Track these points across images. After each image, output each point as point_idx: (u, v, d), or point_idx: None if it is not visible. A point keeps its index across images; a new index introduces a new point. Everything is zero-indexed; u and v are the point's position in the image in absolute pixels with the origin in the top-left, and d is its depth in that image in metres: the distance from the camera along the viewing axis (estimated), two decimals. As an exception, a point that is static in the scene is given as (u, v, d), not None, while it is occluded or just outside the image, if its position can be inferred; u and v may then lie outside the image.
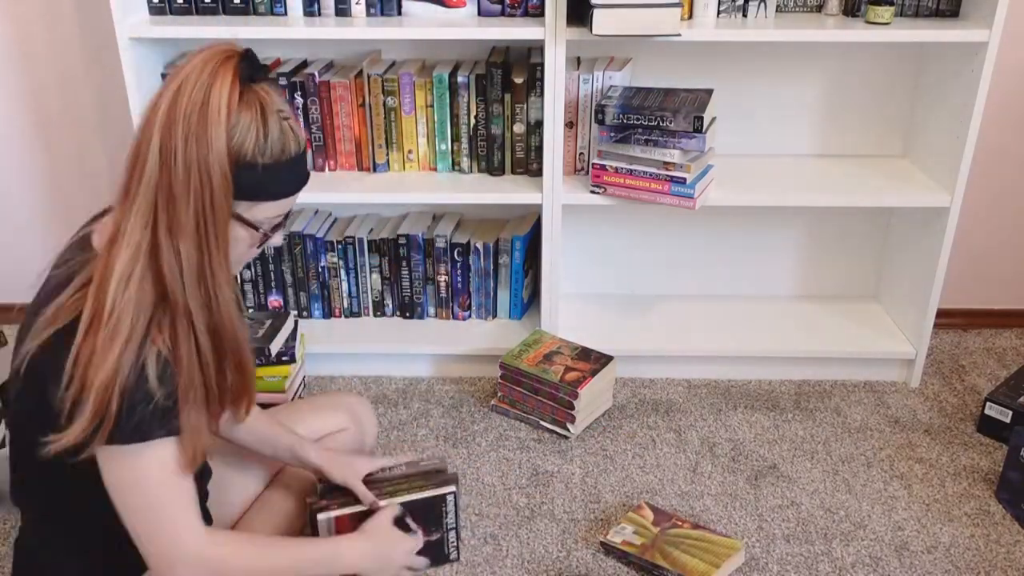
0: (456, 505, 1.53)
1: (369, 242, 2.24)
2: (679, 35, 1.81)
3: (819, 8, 2.05)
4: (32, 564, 1.31)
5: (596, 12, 1.77)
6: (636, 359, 2.20)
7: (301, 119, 2.09)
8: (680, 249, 2.36)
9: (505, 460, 1.94)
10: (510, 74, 2.04)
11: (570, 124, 2.07)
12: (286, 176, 1.18)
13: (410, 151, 2.13)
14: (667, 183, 1.93)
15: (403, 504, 1.48)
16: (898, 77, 2.17)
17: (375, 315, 2.33)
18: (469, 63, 2.14)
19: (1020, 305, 2.48)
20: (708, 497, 1.84)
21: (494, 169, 2.13)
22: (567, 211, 2.07)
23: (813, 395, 2.17)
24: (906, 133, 2.23)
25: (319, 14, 2.01)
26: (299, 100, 2.07)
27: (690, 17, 1.98)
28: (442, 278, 2.26)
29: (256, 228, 1.19)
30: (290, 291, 2.29)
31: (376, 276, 2.28)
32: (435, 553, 1.53)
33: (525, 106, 2.05)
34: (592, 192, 2.01)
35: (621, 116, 1.91)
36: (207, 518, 1.41)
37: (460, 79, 2.05)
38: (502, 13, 2.00)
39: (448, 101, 2.07)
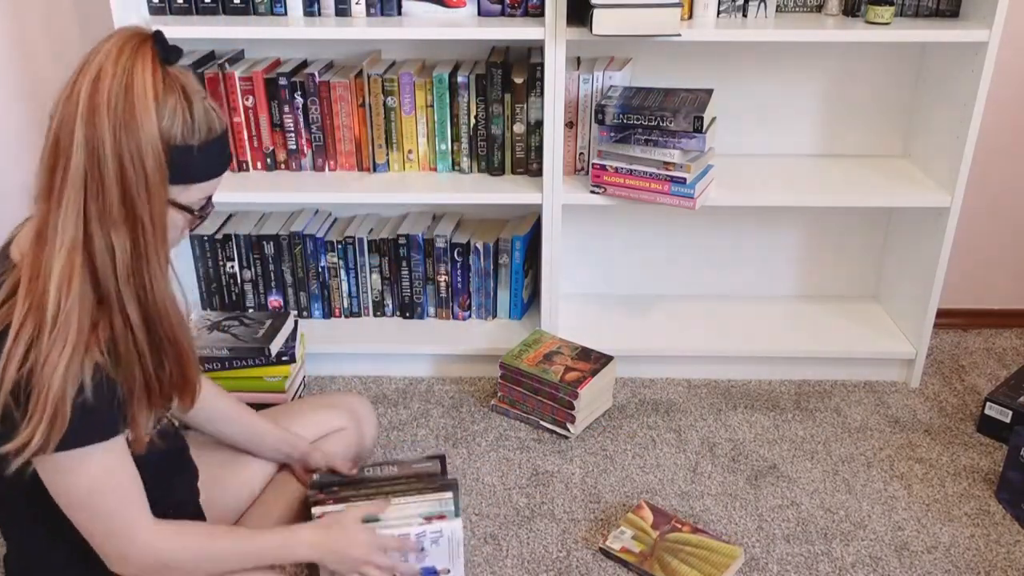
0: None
1: (369, 242, 2.24)
2: (679, 35, 1.81)
3: (819, 8, 2.05)
4: None
5: (596, 12, 1.77)
6: (636, 359, 2.20)
7: (301, 119, 2.09)
8: (680, 249, 2.36)
9: (505, 460, 1.94)
10: (510, 74, 2.04)
11: (570, 124, 2.07)
12: (215, 156, 1.16)
13: (410, 151, 2.13)
14: (667, 183, 1.93)
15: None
16: (898, 77, 2.17)
17: (375, 315, 2.33)
18: (469, 63, 2.14)
19: (1020, 305, 2.48)
20: (708, 497, 1.84)
21: (494, 169, 2.13)
22: (567, 211, 2.07)
23: (813, 395, 2.17)
24: (906, 133, 2.23)
25: (319, 14, 2.01)
26: (299, 100, 2.07)
27: (690, 17, 1.98)
28: (442, 278, 2.26)
29: (190, 211, 1.17)
30: (290, 291, 2.29)
31: (376, 276, 2.28)
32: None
33: (525, 106, 2.05)
34: (592, 192, 2.01)
35: (621, 116, 1.92)
36: (199, 516, 1.41)
37: (460, 79, 2.05)
38: (502, 13, 2.00)
39: (448, 101, 2.07)
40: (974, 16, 1.94)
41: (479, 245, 2.22)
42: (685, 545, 1.67)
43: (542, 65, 1.95)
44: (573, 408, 1.96)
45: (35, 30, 2.19)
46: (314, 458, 1.59)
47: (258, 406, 2.02)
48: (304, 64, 2.15)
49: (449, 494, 1.49)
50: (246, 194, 2.06)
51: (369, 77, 2.05)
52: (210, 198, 1.21)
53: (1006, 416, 1.99)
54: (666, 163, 1.93)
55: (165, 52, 1.10)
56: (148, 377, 1.16)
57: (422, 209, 2.33)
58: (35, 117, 2.29)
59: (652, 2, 1.78)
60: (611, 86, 2.01)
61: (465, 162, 2.13)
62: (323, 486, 1.53)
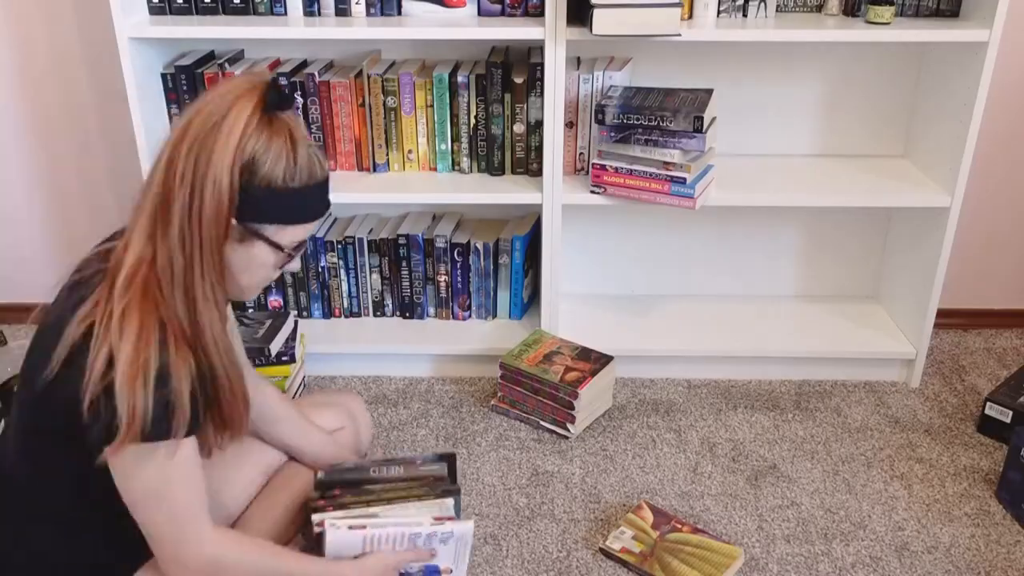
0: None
1: (369, 242, 2.24)
2: (679, 35, 1.81)
3: (819, 8, 2.05)
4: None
5: (596, 12, 1.77)
6: (636, 359, 2.20)
7: (301, 119, 2.09)
8: (680, 249, 2.36)
9: (505, 460, 1.94)
10: (510, 74, 2.04)
11: (570, 124, 2.07)
12: (315, 200, 1.23)
13: (410, 151, 2.13)
14: (667, 183, 1.93)
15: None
16: (898, 77, 2.17)
17: (375, 315, 2.33)
18: (469, 63, 2.14)
19: (1020, 305, 2.48)
20: (708, 497, 1.84)
21: (494, 169, 2.13)
22: (567, 211, 2.07)
23: (813, 395, 2.17)
24: (906, 133, 2.23)
25: (319, 14, 2.01)
26: (299, 100, 2.07)
27: (690, 17, 1.98)
28: (442, 278, 2.26)
29: (281, 250, 1.22)
30: (290, 291, 2.29)
31: (376, 276, 2.28)
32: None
33: (525, 106, 2.05)
34: (592, 192, 2.01)
35: (621, 116, 1.91)
36: None
37: (460, 79, 2.05)
38: (502, 13, 2.00)
39: (448, 101, 2.07)
40: (974, 16, 1.94)
41: (479, 245, 2.22)
42: (685, 545, 1.67)
43: (542, 65, 1.95)
44: (573, 408, 1.96)
45: (35, 30, 2.19)
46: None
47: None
48: (304, 64, 2.15)
49: (450, 500, 1.49)
50: (246, 194, 2.06)
51: (369, 77, 2.05)
52: (303, 240, 1.26)
53: (1006, 416, 1.99)
54: (666, 163, 1.93)
55: (277, 99, 1.17)
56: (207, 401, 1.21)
57: (422, 209, 2.33)
58: (35, 117, 2.29)
59: (652, 2, 1.78)
60: (611, 86, 2.01)
61: (465, 162, 2.13)
62: (328, 485, 1.53)
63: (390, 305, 2.32)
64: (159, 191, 1.17)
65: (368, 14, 2.00)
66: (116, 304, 1.14)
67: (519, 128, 2.08)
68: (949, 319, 2.42)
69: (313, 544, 1.45)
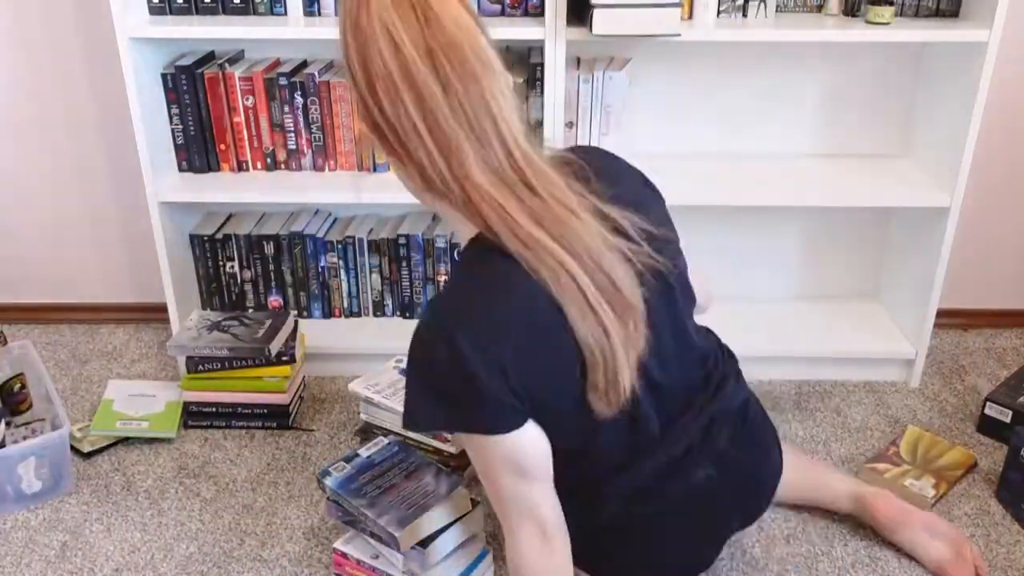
0: None
1: (369, 242, 2.24)
2: (679, 35, 1.81)
3: (819, 8, 2.05)
4: None
5: (596, 12, 1.77)
6: (636, 359, 2.19)
7: (301, 119, 2.09)
8: (680, 249, 2.36)
9: (505, 460, 1.94)
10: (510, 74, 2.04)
11: (570, 124, 2.07)
12: None
13: (410, 151, 2.13)
14: None
15: None
16: (898, 77, 2.17)
17: (375, 315, 2.33)
18: (469, 63, 2.14)
19: (1020, 305, 2.48)
20: (708, 497, 1.84)
21: (494, 169, 2.13)
22: (567, 211, 2.06)
23: (813, 395, 2.17)
24: (906, 133, 2.23)
25: (319, 14, 2.01)
26: (299, 100, 2.07)
27: (690, 17, 1.98)
28: (442, 278, 2.26)
29: None
30: (290, 291, 2.29)
31: (376, 276, 2.28)
32: None
33: (525, 106, 2.05)
34: None
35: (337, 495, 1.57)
36: None
37: (460, 79, 2.04)
38: (502, 13, 2.00)
39: (448, 101, 2.07)
40: (974, 16, 1.94)
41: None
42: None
43: (542, 65, 1.95)
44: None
45: (35, 30, 2.19)
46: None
47: (259, 406, 2.03)
48: (304, 64, 2.15)
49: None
50: (246, 194, 2.06)
51: (369, 77, 2.05)
52: None
53: (1006, 416, 1.99)
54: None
55: None
56: None
57: (422, 209, 2.33)
58: (35, 117, 2.29)
59: (652, 2, 1.78)
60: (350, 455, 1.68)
61: (465, 162, 2.13)
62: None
63: (390, 305, 2.32)
64: None
65: (368, 14, 2.00)
66: None
67: (519, 128, 2.07)
68: (949, 319, 2.42)
69: None
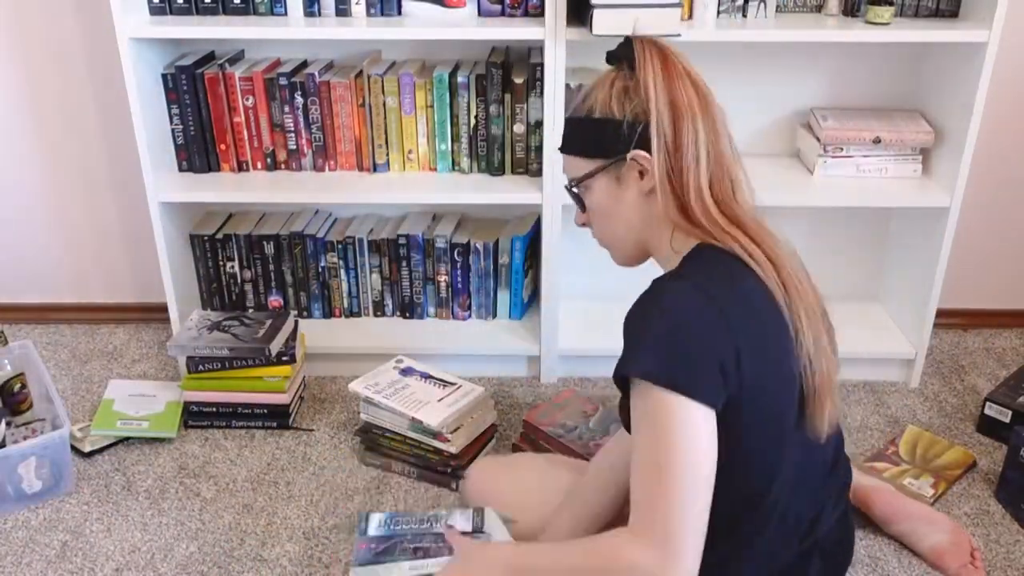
0: None
1: (369, 242, 2.24)
2: (679, 35, 1.81)
3: (819, 8, 2.05)
4: None
5: (596, 12, 1.77)
6: (636, 359, 2.19)
7: (301, 119, 2.09)
8: (680, 249, 2.36)
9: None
10: (510, 74, 2.04)
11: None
12: None
13: (410, 151, 2.13)
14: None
15: None
16: (898, 77, 2.17)
17: (375, 315, 2.33)
18: (469, 63, 2.14)
19: (1020, 305, 2.48)
20: (708, 497, 1.84)
21: (494, 169, 2.13)
22: (567, 211, 2.06)
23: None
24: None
25: (319, 14, 2.01)
26: (299, 100, 2.07)
27: (690, 17, 1.98)
28: (442, 278, 2.26)
29: None
30: (290, 291, 2.29)
31: (376, 276, 2.28)
32: None
33: (525, 106, 2.05)
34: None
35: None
36: None
37: (460, 79, 2.05)
38: (502, 13, 2.00)
39: (448, 101, 2.07)
40: (974, 16, 1.94)
41: (479, 245, 2.22)
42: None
43: (542, 65, 1.95)
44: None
45: (36, 30, 2.19)
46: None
47: (259, 406, 2.03)
48: (304, 64, 2.15)
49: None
50: (246, 194, 2.06)
51: (369, 77, 2.05)
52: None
53: (1006, 416, 1.99)
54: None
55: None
56: None
57: (422, 209, 2.33)
58: (35, 117, 2.29)
59: (652, 2, 1.78)
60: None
61: (465, 162, 2.13)
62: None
63: (390, 305, 2.32)
64: None
65: (368, 14, 2.00)
66: None
67: (519, 128, 2.08)
68: (949, 319, 2.42)
69: None
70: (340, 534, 1.74)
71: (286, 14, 2.01)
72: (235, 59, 2.12)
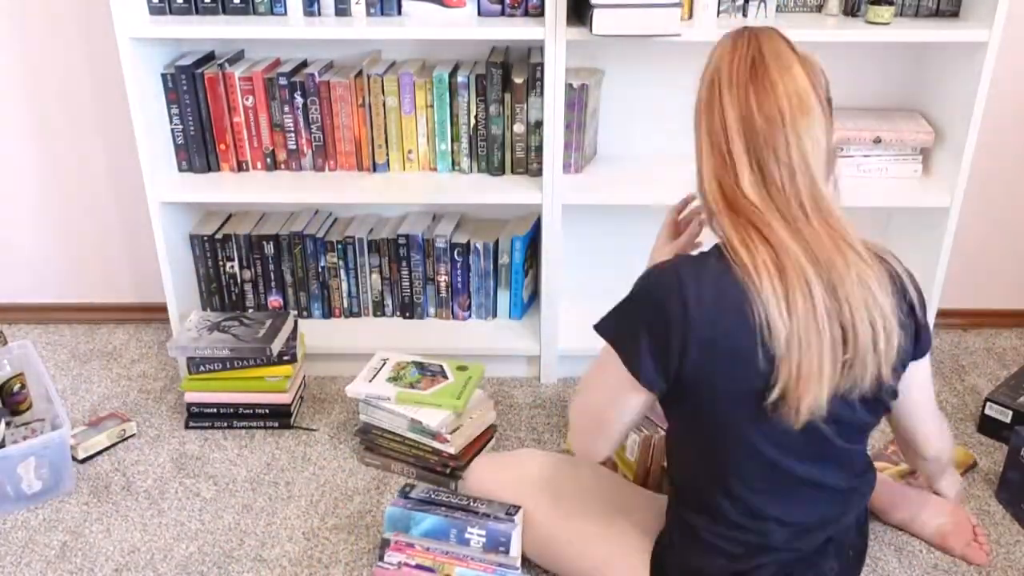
0: None
1: (369, 242, 2.24)
2: (679, 35, 1.81)
3: (819, 8, 2.05)
4: None
5: (596, 12, 1.77)
6: (636, 359, 2.19)
7: (301, 119, 2.09)
8: (680, 249, 2.36)
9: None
10: (510, 74, 2.04)
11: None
12: None
13: (410, 151, 2.13)
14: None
15: None
16: (898, 77, 2.17)
17: (375, 315, 2.33)
18: (469, 63, 2.14)
19: (1020, 305, 2.48)
20: (708, 497, 1.84)
21: (494, 169, 2.13)
22: (567, 211, 2.07)
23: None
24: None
25: (319, 14, 2.01)
26: (299, 100, 2.07)
27: (690, 17, 1.98)
28: (442, 278, 2.26)
29: None
30: (290, 291, 2.29)
31: (376, 276, 2.28)
32: None
33: (525, 106, 2.05)
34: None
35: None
36: None
37: (460, 79, 2.05)
38: (502, 13, 2.00)
39: (448, 101, 2.07)
40: (974, 16, 1.94)
41: (479, 245, 2.22)
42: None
43: (542, 65, 1.95)
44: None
45: (35, 30, 2.19)
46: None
47: (260, 406, 2.03)
48: (304, 64, 2.15)
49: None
50: (246, 194, 2.06)
51: (369, 77, 2.05)
52: None
53: (1006, 416, 1.99)
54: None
55: None
56: None
57: (422, 209, 2.33)
58: (35, 117, 2.29)
59: (652, 2, 1.78)
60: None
61: (465, 162, 2.13)
62: None
63: (390, 305, 2.32)
64: None
65: (368, 14, 2.00)
66: None
67: (519, 128, 2.08)
68: (949, 319, 2.42)
69: None
70: (341, 533, 1.74)
71: (286, 14, 2.01)
72: (235, 59, 2.12)
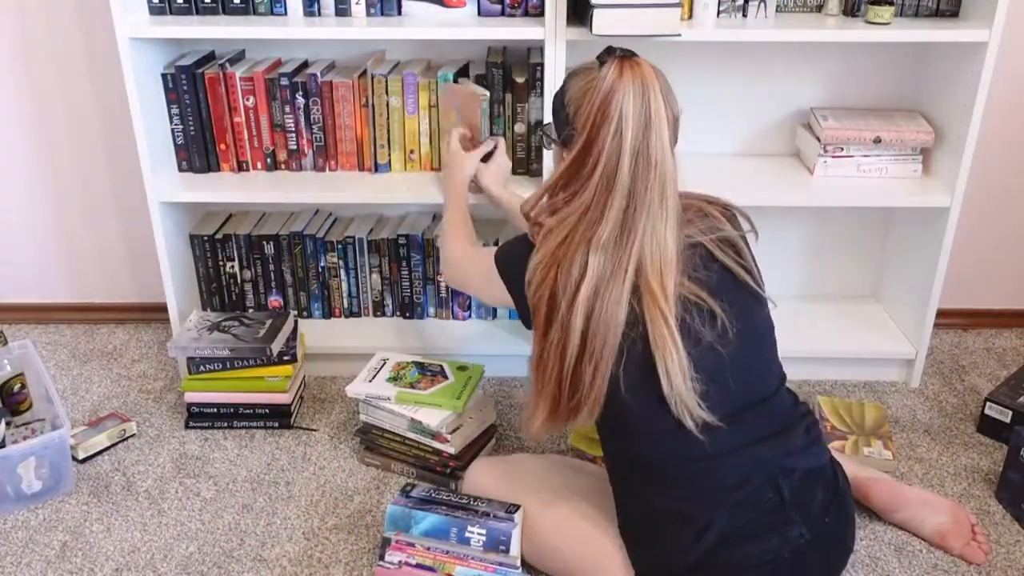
0: None
1: (369, 242, 2.24)
2: (679, 35, 1.81)
3: (819, 8, 2.05)
4: None
5: (596, 12, 1.77)
6: (636, 359, 2.19)
7: (302, 119, 2.09)
8: (680, 249, 2.36)
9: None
10: (510, 74, 2.04)
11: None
12: None
13: (412, 151, 2.13)
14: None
15: None
16: (898, 77, 2.17)
17: (375, 315, 2.33)
18: (470, 64, 2.14)
19: (1020, 305, 2.48)
20: (708, 497, 1.84)
21: (494, 169, 2.13)
22: (567, 211, 2.06)
23: (813, 395, 2.17)
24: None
25: (319, 14, 2.01)
26: (300, 100, 2.07)
27: (690, 17, 1.98)
28: (442, 278, 2.26)
29: None
30: (290, 291, 2.29)
31: (376, 276, 2.28)
32: None
33: (525, 106, 2.05)
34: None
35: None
36: None
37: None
38: (502, 13, 2.00)
39: (448, 101, 2.07)
40: (974, 16, 1.94)
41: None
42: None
43: (542, 65, 1.95)
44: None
45: (36, 30, 2.19)
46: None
47: (260, 406, 2.03)
48: (305, 64, 2.15)
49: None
50: (246, 194, 2.06)
51: (373, 77, 2.05)
52: None
53: (1006, 416, 1.99)
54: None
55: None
56: None
57: (422, 209, 2.33)
58: (35, 117, 2.29)
59: (652, 2, 1.78)
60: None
61: (465, 162, 2.13)
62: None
63: (390, 305, 2.32)
64: None
65: (368, 14, 2.00)
66: None
67: (519, 128, 2.08)
68: (949, 319, 2.42)
69: None
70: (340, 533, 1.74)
71: (286, 14, 2.01)
72: (236, 59, 2.12)
